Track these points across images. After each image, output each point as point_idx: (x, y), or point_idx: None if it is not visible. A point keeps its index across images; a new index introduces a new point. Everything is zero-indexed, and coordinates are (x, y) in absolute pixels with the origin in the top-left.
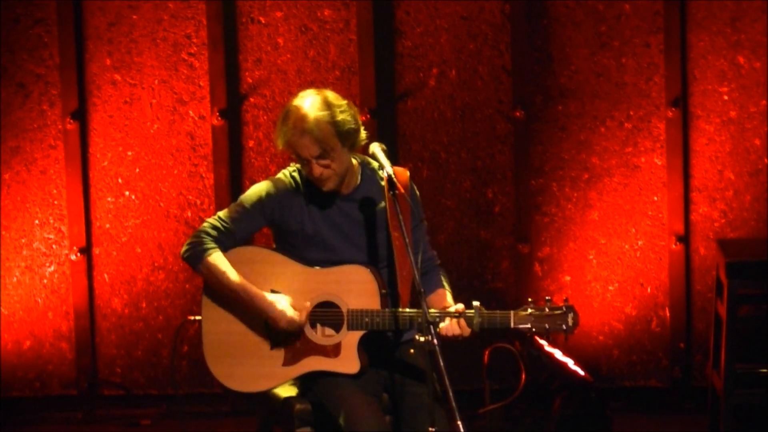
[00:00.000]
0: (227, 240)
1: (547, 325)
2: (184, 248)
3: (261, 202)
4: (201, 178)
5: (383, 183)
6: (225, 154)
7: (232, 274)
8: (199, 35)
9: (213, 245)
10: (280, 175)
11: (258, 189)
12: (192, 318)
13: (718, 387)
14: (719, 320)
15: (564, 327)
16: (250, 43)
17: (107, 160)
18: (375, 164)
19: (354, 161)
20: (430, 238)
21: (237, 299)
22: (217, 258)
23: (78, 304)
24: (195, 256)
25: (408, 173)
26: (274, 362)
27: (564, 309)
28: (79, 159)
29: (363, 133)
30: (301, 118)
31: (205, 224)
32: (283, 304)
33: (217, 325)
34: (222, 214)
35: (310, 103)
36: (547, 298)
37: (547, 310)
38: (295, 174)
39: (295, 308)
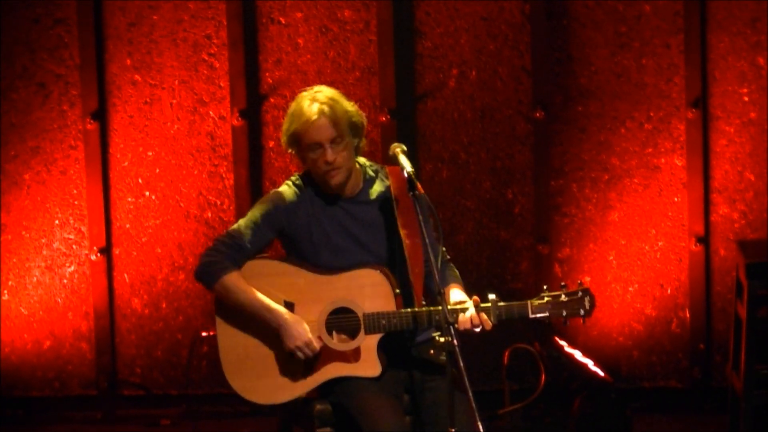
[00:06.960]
0: (240, 256)
1: (564, 312)
2: (197, 268)
3: (269, 214)
4: (221, 178)
5: (387, 183)
6: (245, 155)
7: (248, 294)
8: (219, 36)
9: (228, 263)
10: (283, 185)
11: (265, 202)
12: (205, 334)
13: (737, 387)
14: (739, 321)
15: (581, 311)
16: (270, 43)
17: (127, 161)
18: (375, 166)
19: (356, 165)
20: (449, 237)
21: (254, 317)
22: (233, 277)
23: (98, 304)
24: (210, 276)
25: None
26: (294, 372)
27: (580, 293)
28: (99, 159)
29: (364, 139)
30: (318, 100)
31: (216, 242)
32: (300, 327)
33: (234, 340)
34: (232, 230)
35: (324, 91)
36: (562, 283)
37: (563, 296)
38: (299, 182)
39: (311, 331)
